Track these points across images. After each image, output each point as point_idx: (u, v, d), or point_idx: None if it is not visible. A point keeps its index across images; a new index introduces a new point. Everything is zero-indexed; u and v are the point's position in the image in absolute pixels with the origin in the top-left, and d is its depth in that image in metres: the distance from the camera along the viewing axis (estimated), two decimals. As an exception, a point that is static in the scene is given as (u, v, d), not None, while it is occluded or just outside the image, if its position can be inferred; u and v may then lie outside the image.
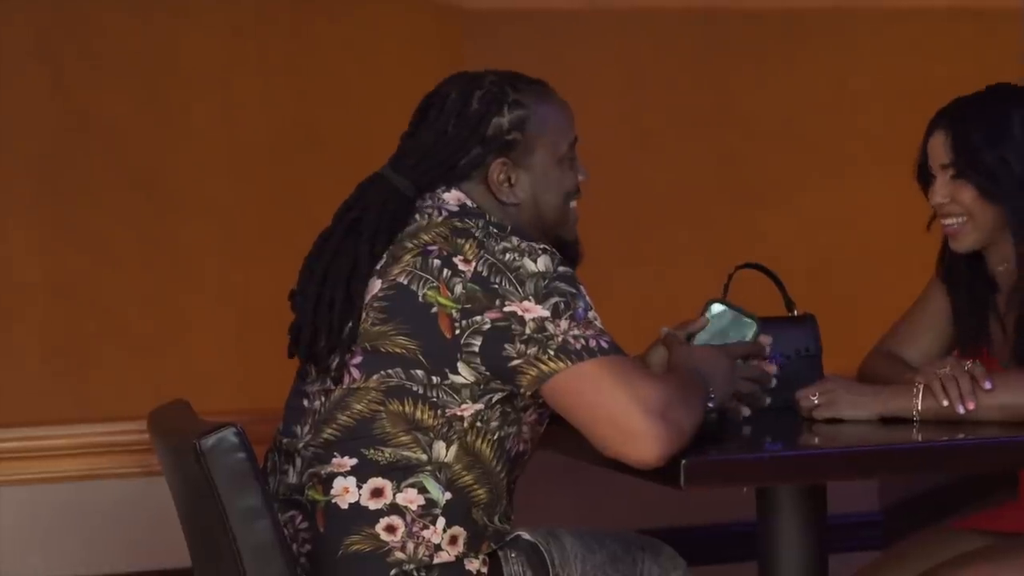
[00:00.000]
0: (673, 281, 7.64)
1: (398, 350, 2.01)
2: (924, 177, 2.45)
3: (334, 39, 6.94)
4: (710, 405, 2.11)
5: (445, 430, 2.02)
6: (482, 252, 2.00)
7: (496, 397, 2.02)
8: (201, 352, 6.43)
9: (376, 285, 2.04)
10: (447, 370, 2.00)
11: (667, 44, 8.09)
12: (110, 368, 6.06)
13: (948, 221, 2.42)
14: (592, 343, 1.97)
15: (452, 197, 2.10)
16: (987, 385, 2.18)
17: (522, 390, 2.01)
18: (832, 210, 8.16)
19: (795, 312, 2.50)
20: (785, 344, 2.41)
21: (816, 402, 2.23)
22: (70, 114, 5.87)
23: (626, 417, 1.94)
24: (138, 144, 6.41)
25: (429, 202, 2.10)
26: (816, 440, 2.22)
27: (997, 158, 2.35)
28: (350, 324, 2.03)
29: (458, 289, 1.99)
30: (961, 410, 2.17)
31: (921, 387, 2.19)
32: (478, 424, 2.03)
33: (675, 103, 8.07)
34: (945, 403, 2.17)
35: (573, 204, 2.21)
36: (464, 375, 2.00)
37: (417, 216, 2.09)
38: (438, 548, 2.04)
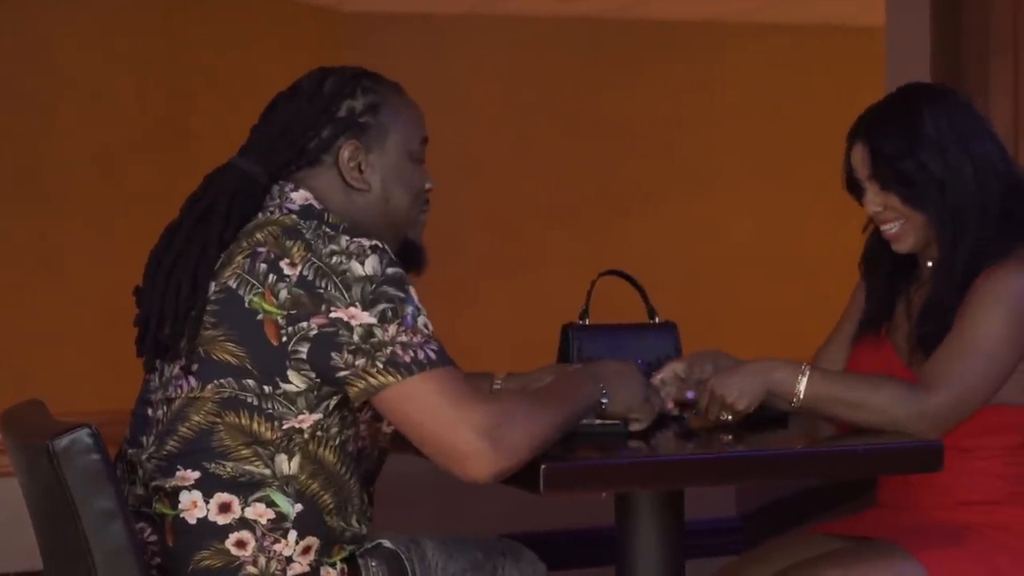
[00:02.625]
0: (543, 287, 7.68)
1: (229, 358, 1.97)
2: (852, 187, 2.48)
3: (208, 38, 6.88)
4: (601, 409, 2.12)
5: (285, 443, 1.99)
6: (309, 255, 1.96)
7: (332, 403, 2.00)
8: (65, 351, 6.34)
9: (210, 288, 2.00)
10: (278, 379, 1.96)
11: (545, 51, 8.15)
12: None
13: (887, 227, 2.46)
14: (420, 354, 1.94)
15: (299, 196, 2.06)
16: (689, 395, 2.30)
17: (351, 401, 1.99)
18: (699, 220, 8.28)
19: (656, 319, 2.53)
20: (646, 351, 2.44)
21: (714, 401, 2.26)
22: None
23: (453, 437, 1.92)
24: (5, 139, 6.30)
25: (277, 200, 2.06)
26: (674, 446, 2.24)
27: (914, 164, 2.39)
28: (195, 311, 1.99)
29: (283, 295, 1.95)
30: (690, 395, 2.29)
31: (809, 370, 2.24)
32: (319, 434, 2.00)
33: (551, 110, 8.13)
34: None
35: (423, 216, 2.19)
36: (296, 383, 1.97)
37: (261, 213, 2.05)
38: (290, 560, 2.02)
